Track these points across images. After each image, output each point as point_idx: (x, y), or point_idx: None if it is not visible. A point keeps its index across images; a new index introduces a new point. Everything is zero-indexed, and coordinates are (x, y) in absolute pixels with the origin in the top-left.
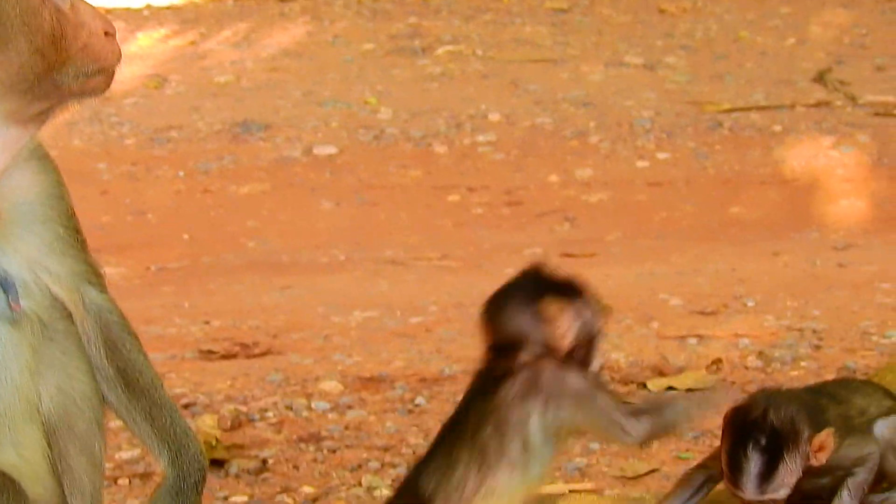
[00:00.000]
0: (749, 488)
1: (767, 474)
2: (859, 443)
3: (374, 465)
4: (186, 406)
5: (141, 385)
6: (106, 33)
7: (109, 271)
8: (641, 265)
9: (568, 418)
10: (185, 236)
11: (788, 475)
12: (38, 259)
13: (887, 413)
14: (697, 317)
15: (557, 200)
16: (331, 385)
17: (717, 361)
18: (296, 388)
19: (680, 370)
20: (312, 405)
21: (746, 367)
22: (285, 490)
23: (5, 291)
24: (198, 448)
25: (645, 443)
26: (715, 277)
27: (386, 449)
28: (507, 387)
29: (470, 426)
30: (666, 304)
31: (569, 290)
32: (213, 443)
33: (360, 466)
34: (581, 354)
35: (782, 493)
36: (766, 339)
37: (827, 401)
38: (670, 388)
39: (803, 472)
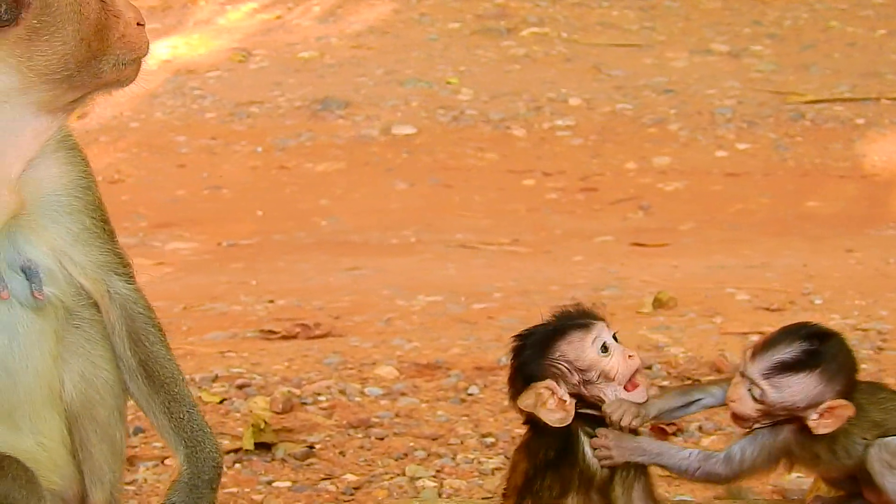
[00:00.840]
0: (758, 361)
1: (783, 368)
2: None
3: (420, 454)
4: (241, 387)
5: (161, 378)
6: (138, 23)
7: (181, 246)
8: (711, 257)
9: None
10: (259, 212)
11: (796, 388)
12: (64, 249)
13: None
14: (762, 313)
15: (633, 188)
16: (386, 370)
17: None
18: (351, 373)
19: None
20: (366, 391)
21: None
22: (329, 477)
23: (29, 279)
24: (213, 445)
25: None
26: (785, 273)
27: (434, 438)
28: None
29: None
30: (732, 299)
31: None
32: (262, 426)
33: (405, 455)
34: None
35: (773, 397)
36: None
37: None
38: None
39: (799, 428)
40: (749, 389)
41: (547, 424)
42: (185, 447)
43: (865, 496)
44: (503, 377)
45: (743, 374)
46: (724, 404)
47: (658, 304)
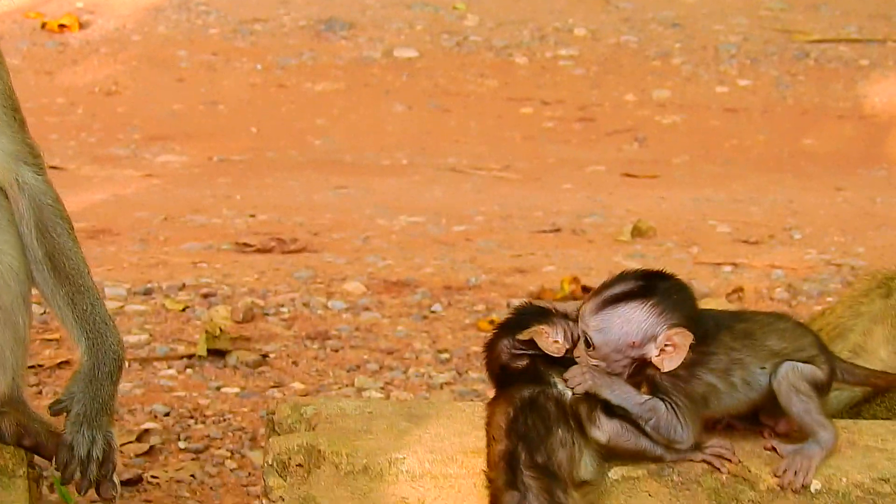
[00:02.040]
0: (589, 305)
1: (610, 302)
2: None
3: (373, 367)
4: (206, 296)
5: (67, 270)
6: None
7: (172, 159)
8: (700, 191)
9: None
10: (253, 129)
11: (625, 323)
12: None
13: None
14: (740, 245)
15: (630, 120)
16: (354, 286)
17: (739, 290)
18: (319, 287)
19: (703, 296)
20: (329, 304)
21: (772, 298)
22: (278, 385)
23: None
24: (116, 338)
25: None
26: (770, 208)
27: (389, 353)
28: None
29: None
30: (712, 231)
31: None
32: (217, 333)
33: (357, 367)
34: None
35: (601, 337)
36: (800, 273)
37: (730, 339)
38: None
39: (639, 364)
40: (585, 341)
41: (515, 374)
42: (86, 339)
43: (763, 421)
44: (470, 296)
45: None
46: None
47: (637, 232)
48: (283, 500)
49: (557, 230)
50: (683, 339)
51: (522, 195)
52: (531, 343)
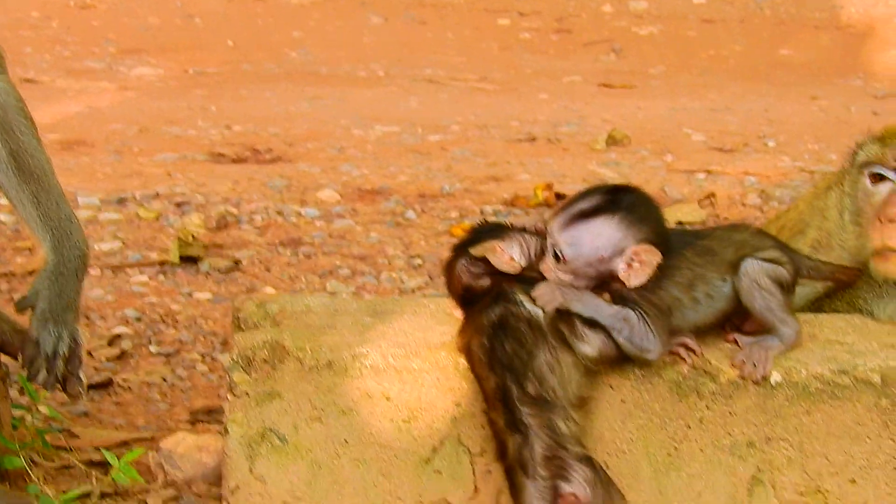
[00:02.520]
0: (557, 220)
1: (579, 217)
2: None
3: (345, 272)
4: (179, 204)
5: (31, 168)
6: None
7: (147, 72)
8: (676, 100)
9: None
10: (230, 42)
11: (596, 238)
12: None
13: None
14: (714, 153)
15: (607, 30)
16: (328, 194)
17: (711, 196)
18: (293, 196)
19: (675, 202)
20: (303, 212)
21: (744, 205)
22: (250, 290)
23: None
24: (81, 236)
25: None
26: (745, 117)
27: (361, 258)
28: None
29: None
30: (687, 139)
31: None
32: (190, 240)
33: (330, 273)
34: None
35: (572, 251)
36: (774, 179)
37: (693, 254)
38: None
39: (604, 278)
40: (554, 255)
41: (478, 294)
42: (51, 236)
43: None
44: (443, 203)
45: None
46: None
47: (612, 141)
48: (248, 395)
49: (533, 139)
50: (651, 256)
51: (499, 105)
52: (487, 262)
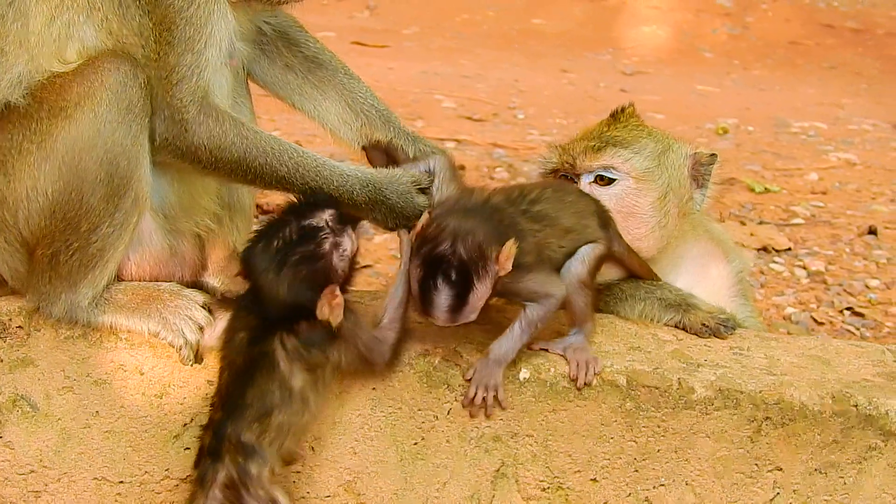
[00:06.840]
0: (443, 319)
1: (459, 305)
2: (544, 280)
3: None
4: None
5: None
6: None
7: None
8: (428, 63)
9: None
10: None
11: (479, 299)
12: None
13: (585, 241)
14: (465, 122)
15: None
16: None
17: (460, 168)
18: None
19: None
20: None
21: (492, 178)
22: None
23: None
24: None
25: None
26: (496, 86)
27: None
28: None
29: None
30: (438, 105)
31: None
32: None
33: None
34: None
35: (473, 316)
36: (522, 153)
37: (529, 223)
38: None
39: (494, 283)
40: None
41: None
42: None
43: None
44: None
45: None
46: None
47: None
48: (2, 360)
49: None
50: (510, 249)
51: None
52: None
